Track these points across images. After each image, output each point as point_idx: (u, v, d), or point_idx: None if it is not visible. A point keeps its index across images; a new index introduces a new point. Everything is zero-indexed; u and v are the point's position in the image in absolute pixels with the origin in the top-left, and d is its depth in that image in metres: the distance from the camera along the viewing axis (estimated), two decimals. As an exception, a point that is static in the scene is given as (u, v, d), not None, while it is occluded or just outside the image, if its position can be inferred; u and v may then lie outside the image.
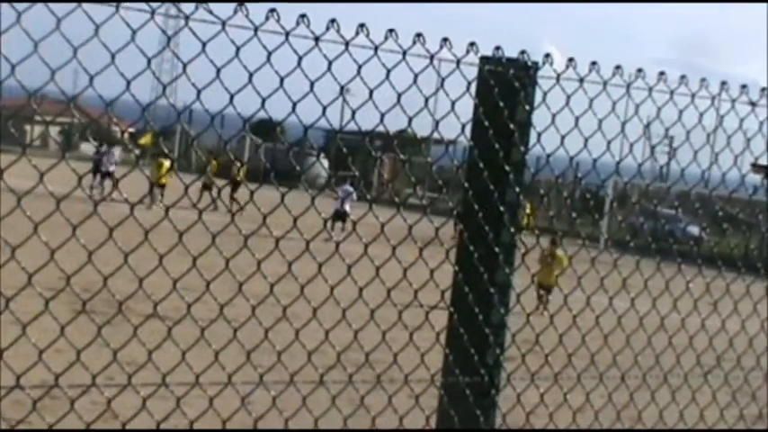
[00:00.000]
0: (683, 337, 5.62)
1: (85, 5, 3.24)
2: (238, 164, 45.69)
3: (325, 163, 58.52)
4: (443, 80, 4.16)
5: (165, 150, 47.85)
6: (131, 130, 55.48)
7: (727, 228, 14.70)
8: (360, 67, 3.91)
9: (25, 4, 3.14)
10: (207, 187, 38.42)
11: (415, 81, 4.06)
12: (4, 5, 3.12)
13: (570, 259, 5.45)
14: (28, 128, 61.19)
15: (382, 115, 4.03)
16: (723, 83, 4.75)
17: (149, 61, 3.44)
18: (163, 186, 41.45)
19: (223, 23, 3.50)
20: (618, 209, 40.20)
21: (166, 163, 43.29)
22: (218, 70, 3.59)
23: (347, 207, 38.67)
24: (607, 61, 4.51)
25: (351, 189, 40.76)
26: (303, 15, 3.67)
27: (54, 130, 65.35)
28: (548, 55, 4.28)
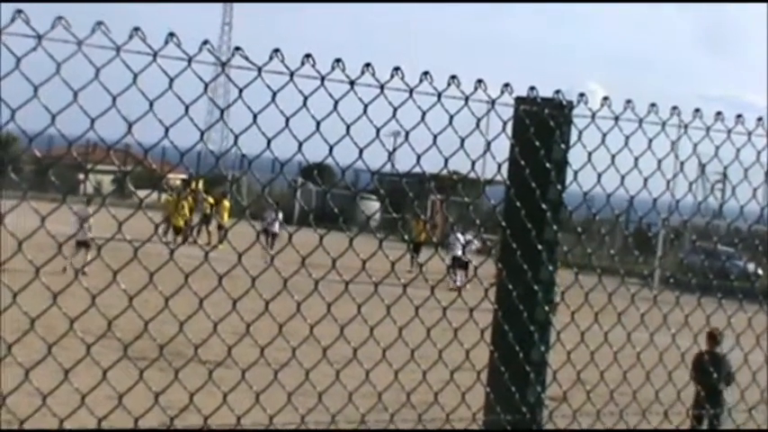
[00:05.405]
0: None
1: (124, 54, 3.31)
2: None
3: (377, 205, 58.36)
4: (479, 121, 4.20)
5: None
6: (184, 176, 56.06)
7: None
8: (395, 109, 3.96)
9: (66, 51, 3.21)
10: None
11: (450, 122, 4.10)
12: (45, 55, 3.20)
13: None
14: (81, 176, 61.80)
15: (418, 157, 4.07)
16: (759, 118, 4.75)
17: (187, 108, 3.50)
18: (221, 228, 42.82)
19: (259, 69, 3.56)
20: (670, 246, 39.78)
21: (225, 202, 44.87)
22: (255, 116, 3.65)
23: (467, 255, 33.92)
24: (653, 98, 4.51)
25: (470, 238, 35.54)
26: (338, 60, 3.73)
27: (107, 179, 65.91)
28: (582, 94, 4.31)
